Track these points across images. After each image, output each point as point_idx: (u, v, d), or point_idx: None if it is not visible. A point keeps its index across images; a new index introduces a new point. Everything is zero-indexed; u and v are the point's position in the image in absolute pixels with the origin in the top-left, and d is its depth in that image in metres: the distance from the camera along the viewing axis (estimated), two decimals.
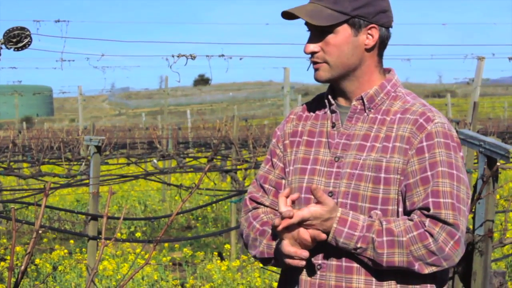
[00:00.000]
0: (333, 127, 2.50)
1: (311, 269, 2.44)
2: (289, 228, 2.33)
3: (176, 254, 10.44)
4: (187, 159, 15.72)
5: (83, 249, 9.41)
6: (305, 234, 2.33)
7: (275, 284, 8.07)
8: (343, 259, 2.38)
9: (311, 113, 2.58)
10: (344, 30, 2.42)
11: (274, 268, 8.78)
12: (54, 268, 8.70)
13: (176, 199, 14.85)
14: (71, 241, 10.72)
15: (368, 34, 2.44)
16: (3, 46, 3.88)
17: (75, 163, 13.03)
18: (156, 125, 27.11)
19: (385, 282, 2.37)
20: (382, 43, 2.47)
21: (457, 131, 4.41)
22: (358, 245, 2.30)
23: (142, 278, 8.18)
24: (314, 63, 2.47)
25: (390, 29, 2.49)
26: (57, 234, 12.05)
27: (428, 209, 2.30)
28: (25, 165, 16.61)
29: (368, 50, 2.45)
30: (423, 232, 2.28)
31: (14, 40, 3.89)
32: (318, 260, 2.43)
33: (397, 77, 2.53)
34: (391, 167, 2.37)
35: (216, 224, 13.35)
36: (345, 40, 2.42)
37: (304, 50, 2.47)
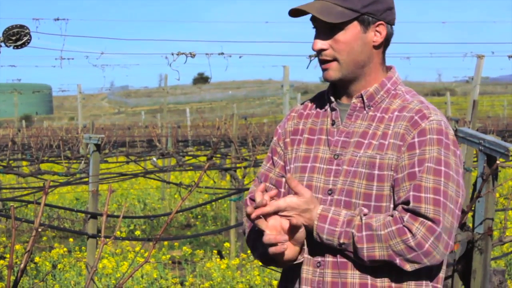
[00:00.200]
0: (332, 124, 2.49)
1: (311, 267, 2.44)
2: (267, 218, 2.34)
3: (175, 252, 10.44)
4: (187, 158, 15.71)
5: (83, 248, 9.41)
6: (285, 224, 2.34)
7: (275, 283, 8.07)
8: (338, 255, 2.39)
9: (312, 111, 2.57)
10: (354, 27, 2.41)
11: (274, 267, 8.78)
12: (54, 266, 8.70)
13: (176, 197, 14.85)
14: (71, 240, 10.72)
15: (376, 31, 2.43)
16: (2, 44, 3.88)
17: (74, 161, 13.02)
18: (156, 123, 27.08)
19: (379, 278, 2.37)
20: (387, 41, 2.48)
21: (456, 130, 4.41)
22: (341, 241, 2.31)
23: (142, 277, 8.18)
24: (323, 62, 2.45)
25: (393, 26, 2.49)
26: (56, 232, 12.05)
27: (408, 203, 2.30)
28: (24, 163, 16.59)
29: (376, 47, 2.45)
30: (401, 227, 2.27)
31: (14, 38, 3.88)
32: (317, 257, 2.43)
33: (398, 75, 2.53)
34: (384, 164, 2.37)
35: (216, 223, 13.35)
36: (355, 37, 2.41)
37: (313, 47, 2.45)
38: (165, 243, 10.20)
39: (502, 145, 4.11)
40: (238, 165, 10.43)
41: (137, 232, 11.24)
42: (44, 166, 17.50)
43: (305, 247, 2.40)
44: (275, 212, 2.33)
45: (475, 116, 7.52)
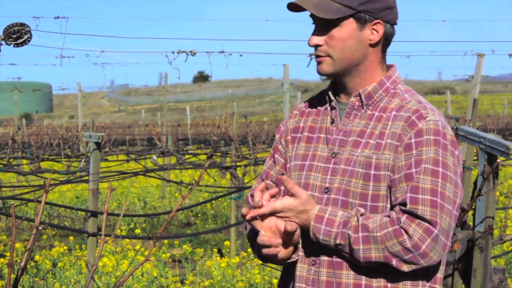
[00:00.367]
0: (332, 123, 2.50)
1: (305, 265, 2.45)
2: (263, 219, 2.34)
3: (175, 250, 10.44)
4: (187, 156, 15.71)
5: (83, 246, 9.41)
6: (280, 225, 2.34)
7: (275, 281, 8.07)
8: (333, 255, 2.39)
9: (314, 109, 2.58)
10: (350, 24, 2.41)
11: (274, 265, 8.80)
12: (54, 265, 8.70)
13: (176, 195, 14.86)
14: (71, 238, 10.72)
15: (373, 29, 2.43)
16: (3, 42, 3.88)
17: (74, 159, 13.03)
18: (156, 121, 27.09)
19: (375, 278, 2.37)
20: (386, 40, 2.47)
21: (457, 128, 4.41)
22: (337, 242, 2.31)
23: (142, 275, 8.18)
24: (317, 56, 2.46)
25: (394, 26, 2.48)
26: (56, 230, 12.05)
27: (405, 204, 2.29)
28: (24, 161, 16.59)
29: (372, 45, 2.44)
30: (398, 229, 2.27)
31: (14, 36, 3.88)
32: (312, 256, 2.43)
33: (398, 74, 2.52)
34: (381, 164, 2.36)
35: (216, 221, 13.35)
36: (350, 34, 2.41)
37: (308, 43, 2.46)
38: (165, 241, 10.20)
39: (502, 144, 4.11)
40: (238, 163, 10.43)
41: (137, 231, 11.24)
42: (44, 165, 17.48)
43: (300, 245, 2.40)
44: (271, 214, 2.33)
45: (475, 115, 7.52)
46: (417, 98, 2.45)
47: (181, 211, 13.13)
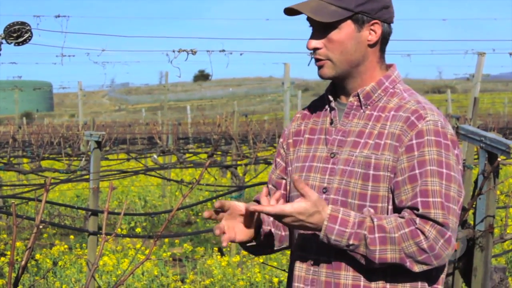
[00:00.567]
0: (331, 123, 2.50)
1: (304, 265, 2.45)
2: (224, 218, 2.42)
3: (176, 249, 10.44)
4: (187, 155, 15.72)
5: (83, 245, 9.41)
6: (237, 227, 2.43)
7: (276, 280, 8.08)
8: (333, 255, 2.38)
9: (315, 111, 2.59)
10: (348, 26, 2.41)
11: (275, 264, 8.80)
12: (54, 264, 8.71)
13: (176, 194, 14.86)
14: (71, 237, 10.72)
15: (371, 30, 2.43)
16: (3, 41, 3.88)
17: (75, 158, 13.03)
18: (156, 120, 27.10)
19: (373, 280, 2.37)
20: (384, 39, 2.46)
21: (457, 127, 4.41)
22: (350, 242, 2.28)
23: (142, 274, 8.18)
24: (317, 60, 2.46)
25: (391, 24, 2.49)
26: (57, 229, 12.05)
27: (417, 209, 2.29)
28: (25, 160, 16.61)
29: (371, 46, 2.44)
30: (414, 230, 2.27)
31: (15, 35, 3.88)
32: (311, 256, 2.44)
33: (398, 73, 2.51)
34: (380, 164, 2.36)
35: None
36: (348, 36, 2.41)
37: (307, 46, 2.46)
38: (166, 240, 10.21)
39: (503, 143, 4.11)
40: (238, 162, 10.44)
41: (138, 229, 11.24)
42: (44, 163, 17.47)
43: (265, 227, 2.47)
44: (277, 216, 2.30)
45: (476, 114, 7.52)
46: (416, 98, 2.45)
47: (181, 210, 13.13)
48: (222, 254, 9.59)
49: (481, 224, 4.32)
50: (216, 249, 9.55)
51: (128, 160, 15.73)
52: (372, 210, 2.34)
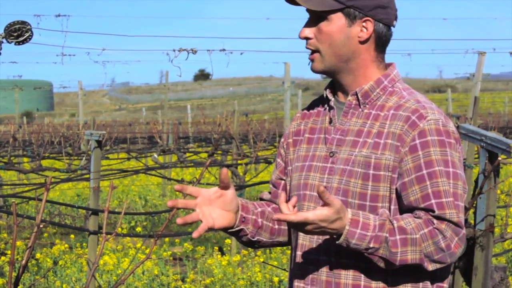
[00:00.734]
0: (330, 122, 2.50)
1: (306, 265, 2.45)
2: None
3: (176, 249, 10.45)
4: (188, 154, 15.72)
5: (84, 244, 9.42)
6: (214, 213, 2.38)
7: (276, 279, 8.08)
8: (333, 255, 2.38)
9: (314, 110, 2.59)
10: (338, 19, 2.41)
11: (275, 263, 8.80)
12: (55, 263, 8.71)
13: (177, 194, 14.86)
14: (72, 236, 10.72)
15: (363, 26, 2.42)
16: (4, 40, 3.88)
17: (75, 157, 13.04)
18: (157, 120, 27.08)
19: (374, 280, 2.36)
20: (378, 39, 2.44)
21: (458, 126, 4.40)
22: (371, 245, 2.26)
23: (143, 273, 8.18)
24: (309, 53, 2.46)
25: (392, 28, 2.46)
26: (57, 228, 12.06)
27: (432, 211, 2.29)
28: (25, 159, 16.62)
29: (362, 42, 2.43)
30: (432, 229, 2.28)
31: (15, 34, 3.88)
32: (311, 255, 2.43)
33: (397, 72, 2.50)
34: (381, 164, 2.36)
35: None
36: (338, 29, 2.41)
37: (299, 35, 2.47)
38: (166, 239, 10.21)
39: (503, 142, 4.11)
40: (239, 161, 10.44)
41: (138, 229, 11.24)
42: (45, 163, 17.49)
43: (240, 214, 2.41)
44: (298, 224, 2.24)
45: (476, 113, 7.53)
46: (415, 97, 2.44)
47: (182, 209, 13.12)
48: (223, 254, 9.60)
49: (481, 224, 4.32)
50: (217, 248, 9.55)
51: (128, 159, 15.74)
52: (387, 211, 2.33)
